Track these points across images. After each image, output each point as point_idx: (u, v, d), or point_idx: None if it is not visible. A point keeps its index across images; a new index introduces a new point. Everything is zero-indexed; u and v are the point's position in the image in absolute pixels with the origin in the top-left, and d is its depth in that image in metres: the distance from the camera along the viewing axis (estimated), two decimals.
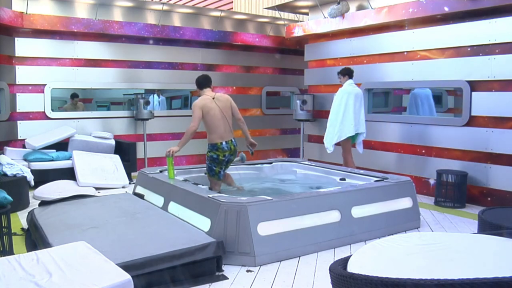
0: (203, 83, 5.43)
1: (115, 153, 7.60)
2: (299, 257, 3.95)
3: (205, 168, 5.56)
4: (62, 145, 7.38)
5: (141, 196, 5.28)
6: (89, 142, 7.51)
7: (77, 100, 8.67)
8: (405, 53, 6.97)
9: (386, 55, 7.28)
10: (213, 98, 5.33)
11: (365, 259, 2.31)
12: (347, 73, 6.70)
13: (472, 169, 6.07)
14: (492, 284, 1.71)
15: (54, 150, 7.17)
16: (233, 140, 5.42)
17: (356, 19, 7.51)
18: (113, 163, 7.19)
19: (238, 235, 3.76)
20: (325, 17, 8.08)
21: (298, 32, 8.75)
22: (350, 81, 6.68)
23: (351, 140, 6.70)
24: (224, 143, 5.32)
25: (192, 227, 4.04)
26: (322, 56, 8.52)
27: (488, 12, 5.82)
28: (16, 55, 7.38)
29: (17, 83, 7.42)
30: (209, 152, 5.37)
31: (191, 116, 5.20)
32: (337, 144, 6.69)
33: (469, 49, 6.12)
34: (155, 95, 9.32)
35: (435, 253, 2.31)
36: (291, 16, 10.58)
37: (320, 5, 8.15)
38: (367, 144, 7.62)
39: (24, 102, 7.51)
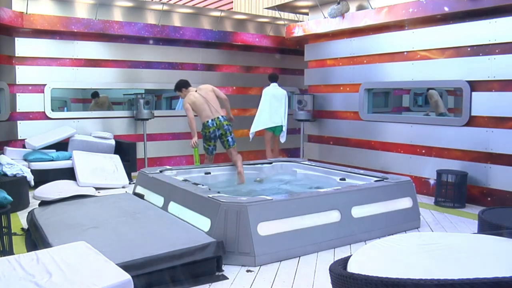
0: (186, 84, 6.60)
1: (115, 153, 7.60)
2: (299, 257, 3.95)
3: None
4: (62, 145, 7.38)
5: (141, 196, 5.28)
6: (89, 142, 7.51)
7: (98, 99, 8.70)
8: (405, 53, 6.97)
9: (386, 55, 7.27)
10: (196, 91, 6.48)
11: (365, 259, 2.31)
12: (269, 78, 8.35)
13: (472, 169, 6.07)
14: (492, 284, 1.71)
15: (54, 150, 7.17)
16: (220, 117, 6.41)
17: (356, 19, 7.51)
18: (113, 163, 7.19)
19: (238, 235, 3.76)
20: (325, 17, 8.08)
21: (298, 32, 8.75)
22: (273, 84, 8.21)
23: (272, 133, 8.16)
24: (210, 121, 6.35)
25: (192, 227, 4.04)
26: (322, 56, 8.52)
27: (488, 12, 5.82)
28: (16, 55, 7.38)
29: (17, 83, 7.42)
30: (201, 131, 6.47)
31: None
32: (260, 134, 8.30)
33: (469, 49, 6.12)
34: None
35: (435, 253, 2.31)
36: (291, 16, 10.58)
37: (320, 5, 8.15)
38: (367, 144, 7.64)
39: (24, 102, 7.51)
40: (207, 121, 6.33)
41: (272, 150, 8.36)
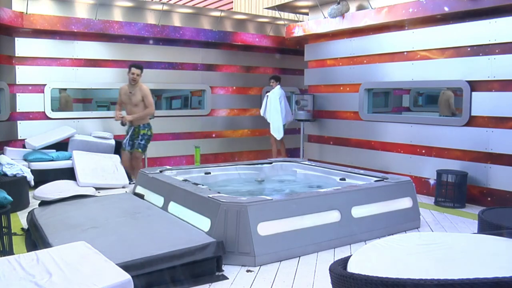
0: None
1: (115, 153, 7.60)
2: (299, 257, 3.95)
3: (138, 146, 6.75)
4: (62, 145, 7.37)
5: (141, 196, 5.28)
6: (89, 142, 7.51)
7: (62, 95, 8.50)
8: (405, 53, 6.97)
9: (386, 55, 7.27)
10: None
11: (365, 259, 2.31)
12: (276, 79, 8.81)
13: (472, 169, 6.07)
14: (492, 284, 1.71)
15: (54, 150, 7.16)
16: None
17: (356, 19, 7.51)
18: (113, 163, 7.18)
19: (238, 235, 3.76)
20: (325, 17, 8.08)
21: (298, 32, 8.75)
22: (279, 86, 8.78)
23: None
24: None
25: (192, 227, 4.04)
26: (322, 56, 8.52)
27: (488, 12, 5.82)
28: (16, 55, 7.37)
29: (17, 83, 7.42)
30: (148, 131, 6.66)
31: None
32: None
33: (469, 49, 6.12)
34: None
35: (435, 253, 2.31)
36: (291, 16, 10.58)
37: (320, 5, 8.15)
38: (367, 144, 7.64)
39: (24, 102, 7.51)
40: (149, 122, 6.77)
41: (279, 150, 8.94)
